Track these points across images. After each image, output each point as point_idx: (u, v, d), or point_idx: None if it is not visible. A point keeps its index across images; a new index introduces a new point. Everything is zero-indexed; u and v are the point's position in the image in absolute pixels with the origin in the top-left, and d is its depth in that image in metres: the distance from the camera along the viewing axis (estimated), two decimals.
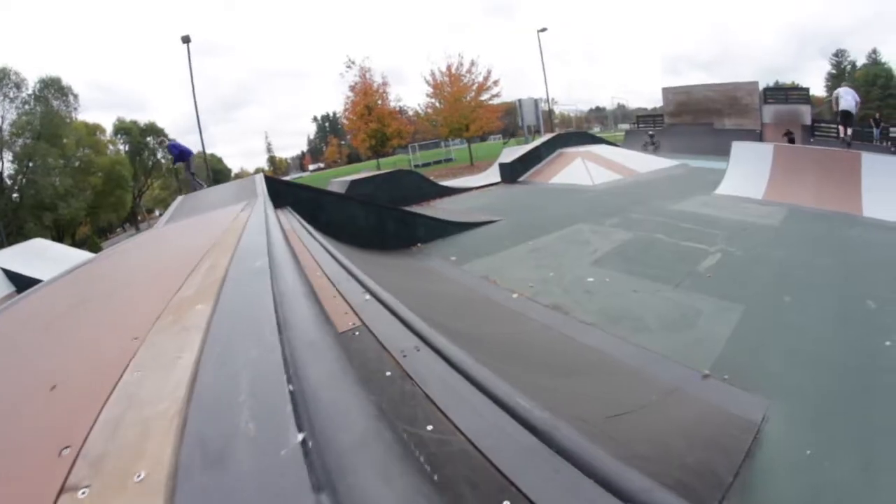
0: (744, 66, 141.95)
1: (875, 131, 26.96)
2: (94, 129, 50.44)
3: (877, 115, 30.12)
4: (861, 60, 76.90)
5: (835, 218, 9.85)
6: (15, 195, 39.42)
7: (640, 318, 5.24)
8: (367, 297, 3.30)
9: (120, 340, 2.06)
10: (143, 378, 1.60)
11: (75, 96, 43.64)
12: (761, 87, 28.43)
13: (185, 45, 29.37)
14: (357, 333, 2.64)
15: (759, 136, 24.58)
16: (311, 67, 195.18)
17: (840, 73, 79.16)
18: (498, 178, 18.98)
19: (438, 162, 46.33)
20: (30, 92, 40.12)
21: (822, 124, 25.74)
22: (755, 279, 6.31)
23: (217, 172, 62.82)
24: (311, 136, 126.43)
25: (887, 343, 4.42)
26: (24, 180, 39.23)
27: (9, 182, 39.47)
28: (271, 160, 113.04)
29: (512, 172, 18.29)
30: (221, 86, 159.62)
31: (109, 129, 55.62)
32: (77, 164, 44.04)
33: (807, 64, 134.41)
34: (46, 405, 1.65)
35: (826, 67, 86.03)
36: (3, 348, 2.74)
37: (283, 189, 10.29)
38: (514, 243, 8.92)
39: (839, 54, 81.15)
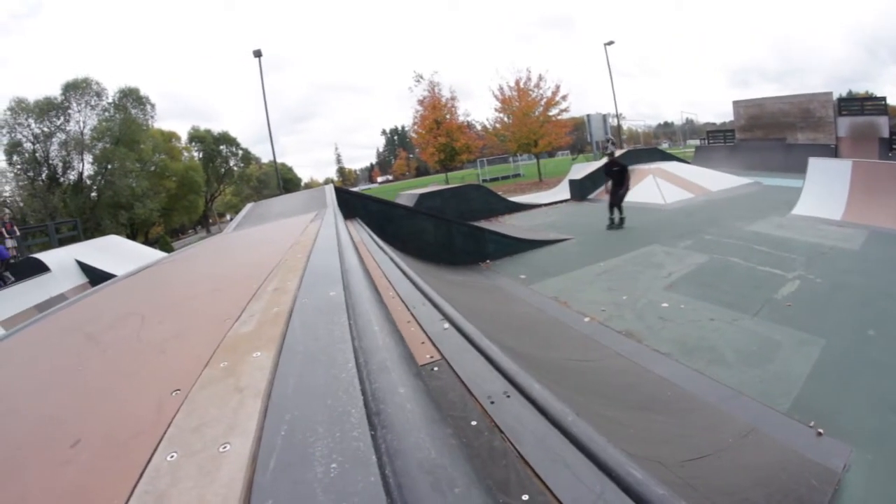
0: (814, 75, 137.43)
1: None
2: (169, 137, 54.15)
3: None
4: None
5: None
6: (93, 194, 42.28)
7: (716, 349, 5.15)
8: (447, 325, 3.12)
9: (157, 390, 1.67)
10: (177, 469, 1.16)
11: (152, 105, 46.24)
12: (835, 97, 27.35)
13: (257, 59, 30.75)
14: (436, 369, 2.43)
15: (833, 152, 23.63)
16: (376, 83, 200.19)
17: None
18: (567, 195, 18.92)
19: (506, 177, 46.16)
20: (110, 100, 42.88)
21: None
22: (836, 310, 6.09)
23: (287, 181, 65.06)
24: (380, 149, 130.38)
25: None
26: (102, 181, 42.02)
27: (88, 182, 42.44)
28: (340, 171, 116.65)
29: (581, 190, 18.17)
30: (288, 99, 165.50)
31: (184, 136, 58.81)
32: (153, 168, 46.88)
33: (880, 70, 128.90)
34: (60, 470, 1.26)
35: None
36: (28, 369, 2.42)
37: (352, 200, 10.47)
38: (584, 263, 8.88)
39: None
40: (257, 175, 68.95)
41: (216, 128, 63.51)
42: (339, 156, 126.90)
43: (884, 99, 26.99)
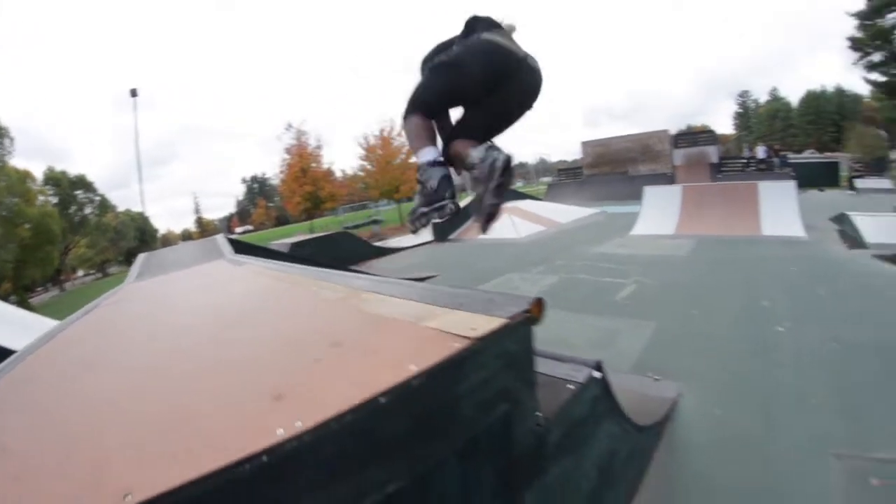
0: (659, 113, 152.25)
1: (776, 160, 30.34)
2: (24, 177, 41.75)
3: (775, 147, 37.38)
4: (763, 98, 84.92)
5: (740, 241, 11.34)
6: None
7: (569, 341, 5.85)
8: None
9: None
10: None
11: (11, 140, 38.92)
12: (674, 131, 32.02)
13: (133, 98, 30.39)
14: None
15: (671, 179, 26.73)
16: (239, 128, 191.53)
17: (745, 112, 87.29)
18: (429, 237, 19.27)
19: (367, 224, 46.32)
20: None
21: (729, 161, 30.22)
22: (665, 301, 7.32)
23: (142, 232, 59.17)
24: (240, 198, 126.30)
25: (779, 329, 5.63)
26: None
27: None
28: (199, 221, 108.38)
29: (443, 231, 18.81)
30: (145, 140, 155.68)
31: (39, 177, 47.85)
32: (5, 213, 36.74)
33: (716, 105, 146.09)
34: None
35: (733, 108, 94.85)
36: None
37: (239, 249, 10.55)
38: None
39: (744, 94, 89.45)
40: (115, 225, 60.00)
41: (70, 170, 54.26)
42: (197, 205, 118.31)
43: (713, 131, 32.87)
